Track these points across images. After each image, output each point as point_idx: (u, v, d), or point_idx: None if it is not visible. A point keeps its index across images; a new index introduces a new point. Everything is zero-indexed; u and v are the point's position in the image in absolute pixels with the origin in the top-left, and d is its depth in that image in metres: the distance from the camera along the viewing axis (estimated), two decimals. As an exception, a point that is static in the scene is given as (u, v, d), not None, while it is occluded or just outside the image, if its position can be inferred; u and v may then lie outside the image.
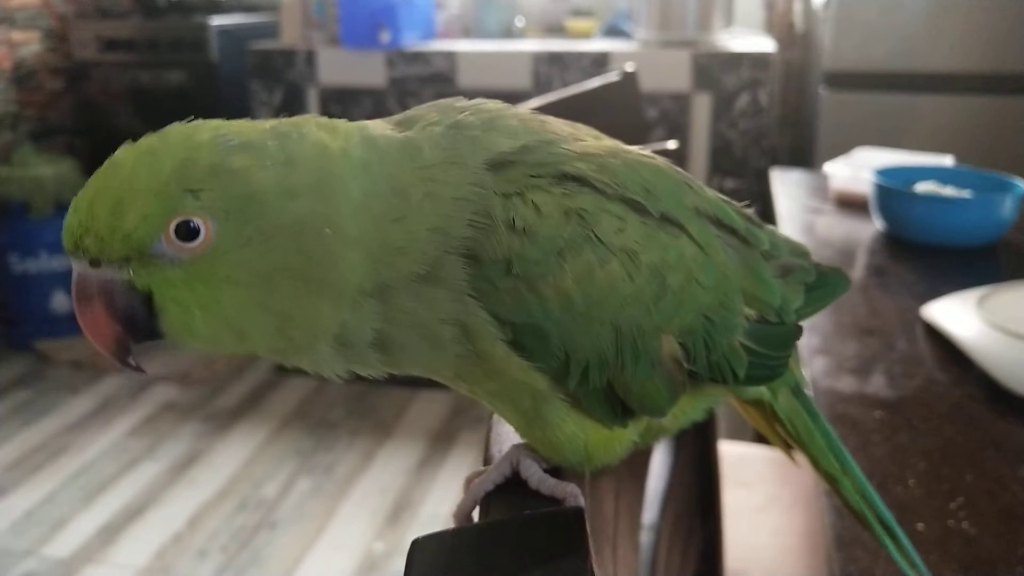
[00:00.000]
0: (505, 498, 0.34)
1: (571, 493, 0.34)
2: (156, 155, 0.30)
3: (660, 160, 0.41)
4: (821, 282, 0.49)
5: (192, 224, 0.29)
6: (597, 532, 0.40)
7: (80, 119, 3.11)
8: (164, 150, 0.30)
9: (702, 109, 2.41)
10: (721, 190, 2.15)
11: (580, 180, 0.35)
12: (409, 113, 0.37)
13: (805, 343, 0.86)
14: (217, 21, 2.87)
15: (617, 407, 0.36)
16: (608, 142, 0.41)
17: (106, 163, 0.31)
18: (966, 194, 1.13)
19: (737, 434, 1.54)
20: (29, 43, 2.96)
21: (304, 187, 0.31)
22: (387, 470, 2.14)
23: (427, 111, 0.37)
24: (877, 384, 0.79)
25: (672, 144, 0.79)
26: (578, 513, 0.31)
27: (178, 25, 2.90)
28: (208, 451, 2.24)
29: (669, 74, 2.40)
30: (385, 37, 2.53)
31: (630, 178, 0.37)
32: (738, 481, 1.12)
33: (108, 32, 2.96)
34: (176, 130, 0.31)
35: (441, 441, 2.26)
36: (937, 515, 0.60)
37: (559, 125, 0.40)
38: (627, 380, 0.35)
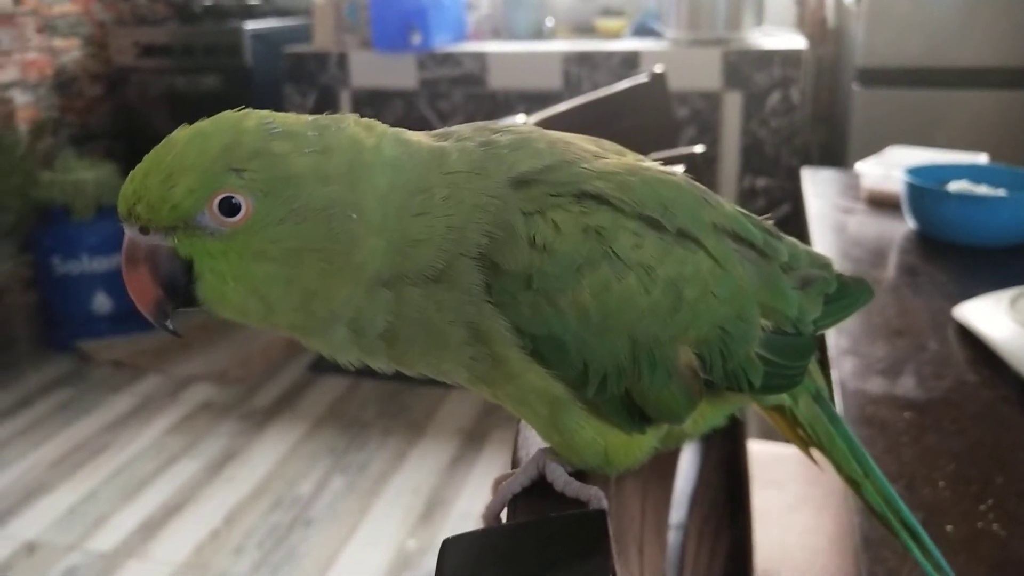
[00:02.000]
0: (532, 500, 0.35)
1: (595, 496, 0.35)
2: (207, 136, 0.32)
3: (679, 176, 0.42)
4: (843, 293, 0.50)
5: (234, 200, 0.32)
6: (623, 532, 0.41)
7: (118, 124, 3.17)
8: (214, 132, 0.33)
9: (733, 108, 2.40)
10: (752, 189, 2.14)
11: (599, 198, 0.36)
12: (446, 129, 0.39)
13: (834, 344, 0.86)
14: (251, 26, 2.91)
15: (635, 414, 0.37)
16: (630, 158, 0.42)
17: (163, 141, 0.33)
18: (1000, 192, 1.12)
19: (769, 435, 1.54)
20: (70, 50, 3.02)
21: (336, 174, 0.33)
22: (420, 469, 2.16)
23: (463, 129, 0.39)
24: (907, 385, 0.79)
25: (699, 148, 0.79)
26: (601, 515, 0.32)
27: (213, 30, 2.95)
28: (244, 449, 2.28)
29: (699, 73, 2.39)
30: (416, 39, 2.56)
31: (648, 195, 0.39)
32: (769, 481, 1.12)
33: (146, 38, 3.02)
34: (226, 116, 0.34)
35: (473, 440, 2.28)
36: (966, 517, 0.60)
37: (584, 144, 0.41)
38: (644, 388, 0.36)
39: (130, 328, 2.94)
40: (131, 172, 0.33)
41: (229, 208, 0.32)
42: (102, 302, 2.89)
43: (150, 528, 1.96)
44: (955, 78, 2.19)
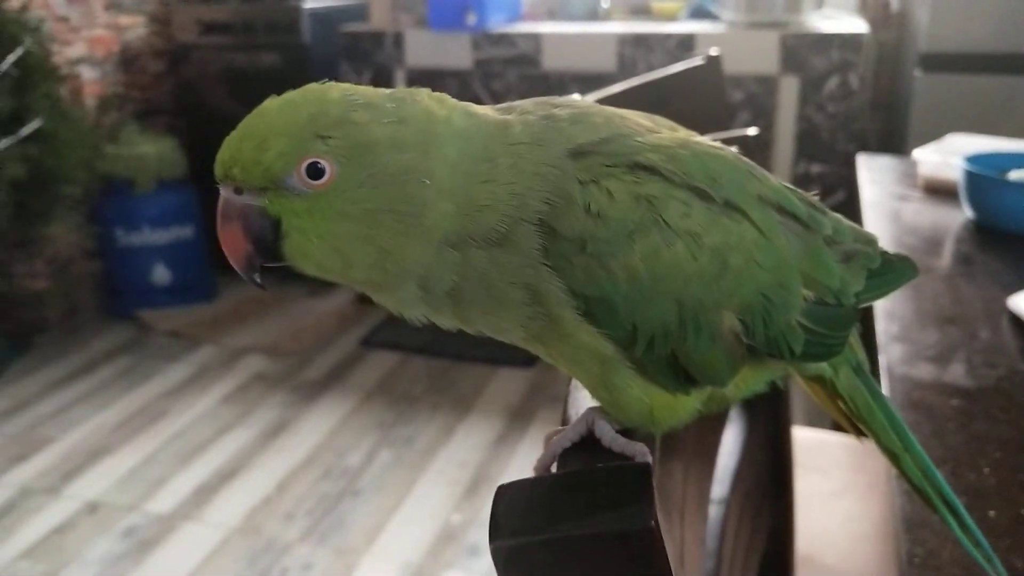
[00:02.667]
0: (580, 454, 0.37)
1: (640, 451, 0.38)
2: (296, 106, 0.35)
3: (727, 150, 0.44)
4: (887, 269, 0.51)
5: (319, 164, 0.35)
6: (665, 498, 0.42)
7: (179, 100, 3.25)
8: (302, 102, 0.36)
9: (789, 92, 2.37)
10: (807, 175, 2.12)
11: (650, 169, 0.38)
12: (510, 104, 0.41)
13: (883, 330, 0.86)
14: (309, 4, 2.95)
15: (680, 375, 0.39)
16: (682, 133, 0.44)
17: (256, 110, 0.36)
18: (1059, 182, 1.10)
19: (816, 421, 1.53)
20: (135, 27, 3.10)
21: (411, 143, 0.36)
22: (466, 444, 2.20)
23: (526, 103, 0.41)
24: (956, 373, 0.78)
25: (752, 131, 0.80)
26: (645, 467, 0.34)
27: (272, 8, 3.00)
28: (295, 420, 2.34)
29: (756, 56, 2.37)
30: (471, 19, 2.57)
31: (697, 167, 0.40)
32: (813, 467, 1.12)
33: (207, 16, 3.08)
34: (312, 88, 0.37)
35: (519, 418, 2.31)
36: (1010, 503, 0.60)
37: (638, 119, 0.43)
38: (689, 351, 0.38)
39: (187, 299, 3.03)
40: (227, 139, 0.36)
41: (315, 171, 0.35)
42: (161, 273, 2.97)
43: (205, 492, 2.03)
44: (1021, 64, 2.13)
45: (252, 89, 3.20)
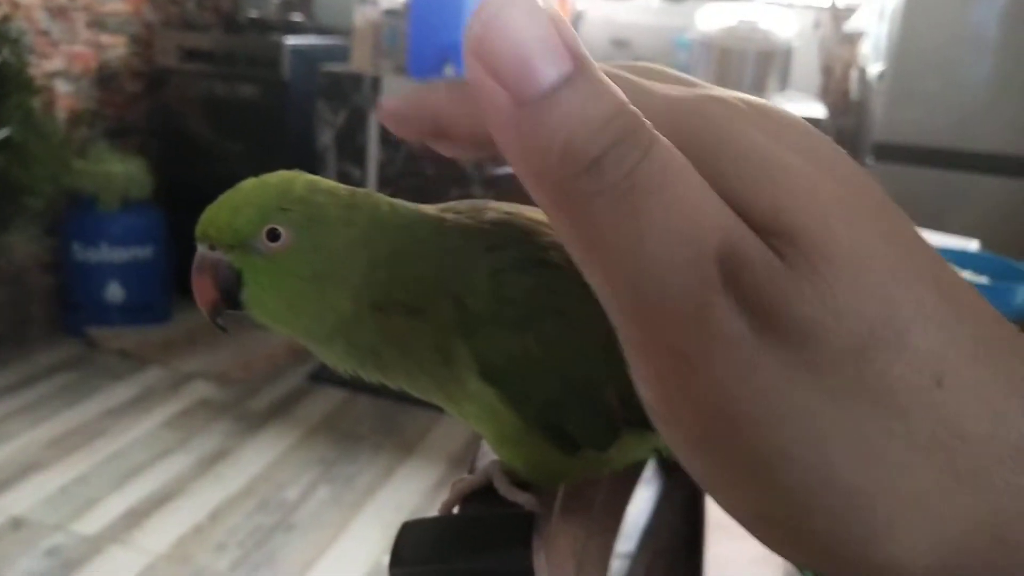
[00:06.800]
0: (480, 501, 0.42)
1: (528, 501, 0.42)
2: (267, 184, 0.42)
3: None
4: None
5: (277, 231, 0.41)
6: (563, 546, 0.46)
7: (154, 121, 3.27)
8: (274, 182, 0.42)
9: (749, 168, 2.45)
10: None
11: (555, 266, 0.43)
12: (448, 204, 0.47)
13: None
14: (292, 41, 3.01)
15: (567, 438, 0.44)
16: None
17: (235, 186, 0.43)
18: (983, 280, 1.16)
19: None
20: (116, 47, 3.13)
21: (358, 222, 0.42)
22: (405, 487, 2.20)
23: (460, 205, 0.47)
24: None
25: None
26: (529, 516, 0.38)
27: (255, 42, 3.05)
28: (236, 449, 2.33)
29: (719, 131, 2.45)
30: (450, 71, 2.64)
31: None
32: (732, 532, 1.15)
33: (189, 42, 3.12)
34: (285, 173, 0.43)
35: (460, 465, 2.32)
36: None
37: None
38: (573, 418, 0.43)
39: (140, 320, 3.01)
40: (208, 207, 0.42)
41: (273, 236, 0.42)
42: (115, 291, 2.96)
43: (136, 516, 2.00)
44: (970, 162, 2.24)
45: (228, 118, 3.25)
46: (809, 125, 0.23)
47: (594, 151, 0.18)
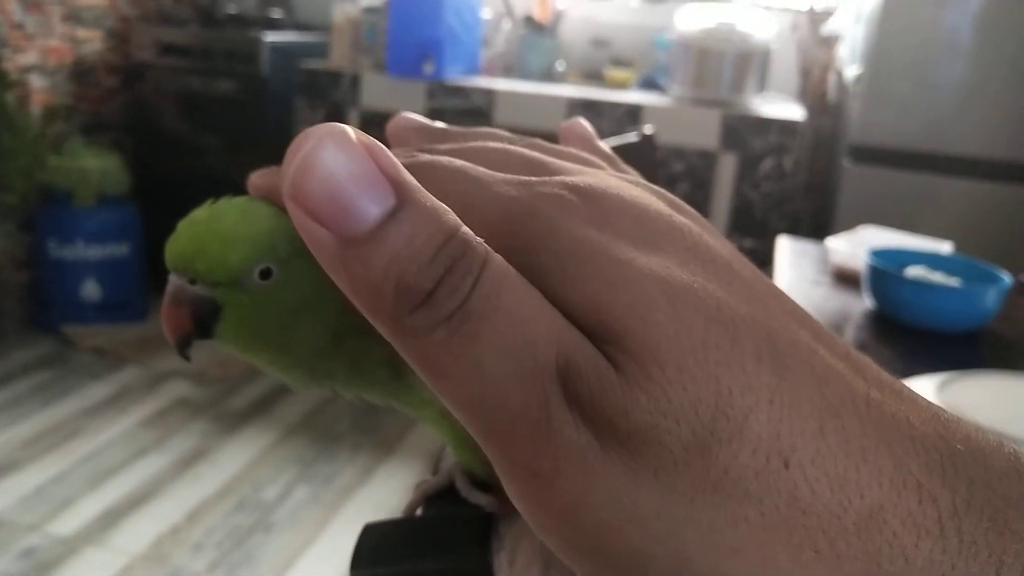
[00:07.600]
0: (443, 502, 0.43)
1: (489, 503, 0.43)
2: (256, 217, 0.41)
3: None
4: None
5: (271, 270, 0.41)
6: (521, 545, 0.47)
7: (130, 117, 3.23)
8: (264, 215, 0.41)
9: (727, 168, 2.48)
10: (740, 249, 2.24)
11: None
12: None
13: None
14: (270, 37, 2.99)
15: None
16: None
17: (209, 211, 0.41)
18: (953, 282, 1.18)
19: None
20: (92, 41, 3.09)
21: None
22: (384, 487, 2.20)
23: None
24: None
25: (648, 128, 0.85)
26: (488, 516, 0.39)
27: (233, 37, 3.02)
28: (214, 449, 2.32)
29: (698, 131, 2.47)
30: (429, 68, 2.63)
31: None
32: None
33: (167, 37, 3.09)
34: (256, 202, 0.43)
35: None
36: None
37: None
38: None
39: (116, 317, 2.98)
40: (181, 232, 0.41)
41: (264, 274, 0.42)
42: (91, 289, 2.93)
43: (112, 517, 1.99)
44: (944, 164, 2.27)
45: (205, 114, 3.23)
46: (651, 199, 0.22)
47: (427, 284, 0.17)
